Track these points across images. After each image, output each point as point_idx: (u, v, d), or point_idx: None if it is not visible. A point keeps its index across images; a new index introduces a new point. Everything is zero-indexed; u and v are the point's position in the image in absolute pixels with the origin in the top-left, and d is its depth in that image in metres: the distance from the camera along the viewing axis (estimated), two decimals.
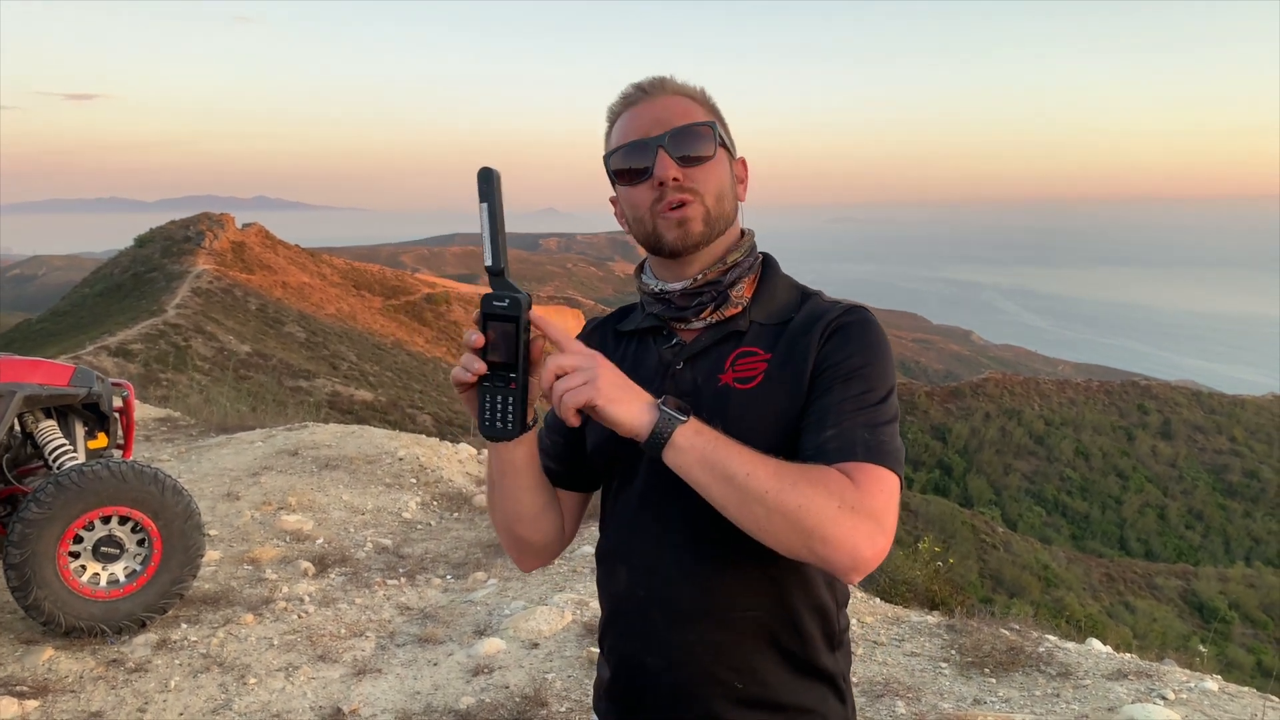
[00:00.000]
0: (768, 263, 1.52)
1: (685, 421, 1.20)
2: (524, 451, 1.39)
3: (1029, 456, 59.70)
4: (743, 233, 1.50)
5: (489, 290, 1.25)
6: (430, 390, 45.22)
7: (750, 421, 1.32)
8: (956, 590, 6.17)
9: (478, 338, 1.24)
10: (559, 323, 1.26)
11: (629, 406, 1.20)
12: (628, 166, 1.41)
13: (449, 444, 8.65)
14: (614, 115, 1.45)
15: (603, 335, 1.59)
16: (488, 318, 1.23)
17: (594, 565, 1.58)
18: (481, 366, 1.24)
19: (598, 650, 1.58)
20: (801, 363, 1.36)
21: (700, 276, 1.42)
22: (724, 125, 1.46)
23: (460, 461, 8.16)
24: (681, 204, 1.37)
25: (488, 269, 1.23)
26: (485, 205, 1.21)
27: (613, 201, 1.52)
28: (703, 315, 1.43)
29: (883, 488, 1.23)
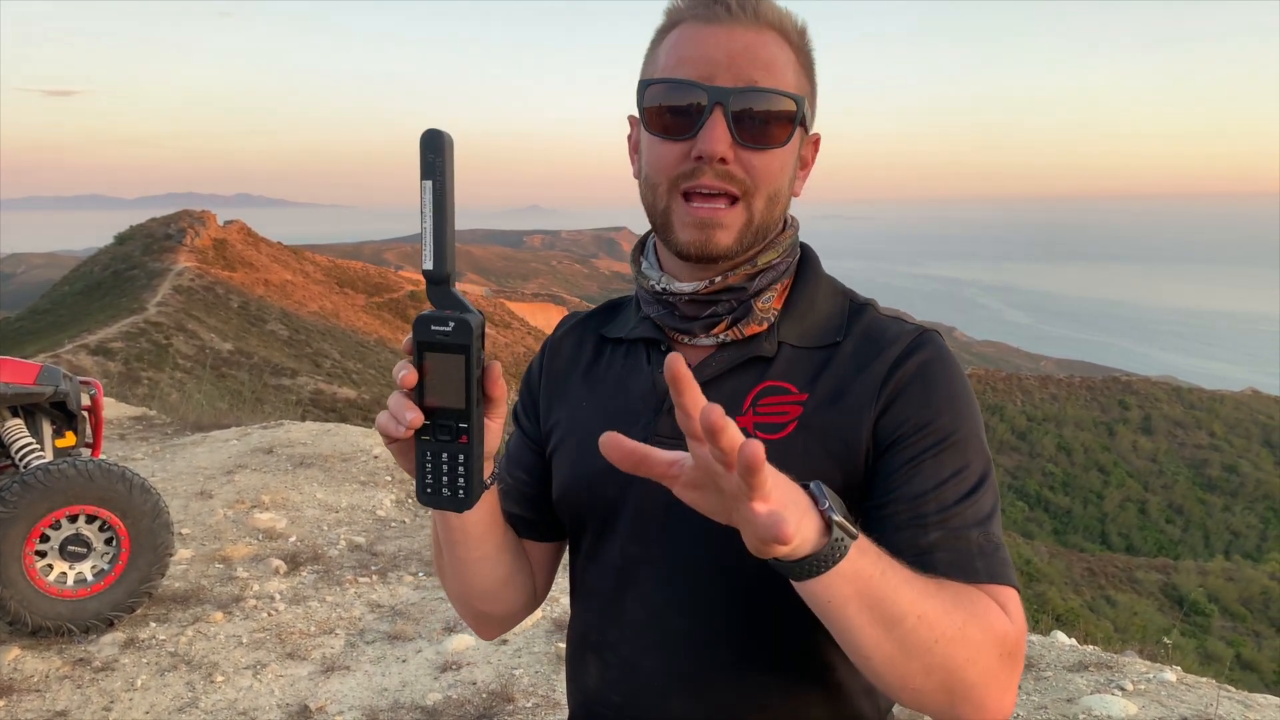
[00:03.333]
0: (805, 259, 1.16)
1: (855, 539, 0.82)
2: (480, 513, 1.06)
3: (1011, 452, 60.07)
4: (785, 225, 1.13)
5: (426, 308, 0.92)
6: None
7: None
8: None
9: (408, 374, 0.90)
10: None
11: (798, 522, 0.78)
12: (668, 107, 1.02)
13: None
14: (674, 22, 1.05)
15: (580, 339, 1.23)
16: (424, 347, 0.90)
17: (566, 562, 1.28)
18: (417, 417, 0.90)
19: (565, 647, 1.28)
20: (855, 413, 1.02)
21: (720, 279, 1.07)
22: (813, 89, 1.09)
23: None
24: (721, 197, 1.02)
25: (426, 274, 0.90)
26: (429, 184, 0.87)
27: (631, 122, 1.13)
28: (715, 330, 1.08)
29: (1021, 615, 0.94)
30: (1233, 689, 3.94)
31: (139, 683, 4.08)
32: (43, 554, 4.31)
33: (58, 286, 61.20)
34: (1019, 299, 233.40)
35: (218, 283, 53.69)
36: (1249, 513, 54.10)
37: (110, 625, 4.51)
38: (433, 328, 0.89)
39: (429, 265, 0.89)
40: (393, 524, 6.57)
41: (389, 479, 7.41)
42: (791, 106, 1.01)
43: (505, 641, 4.50)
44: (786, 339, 1.08)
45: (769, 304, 1.09)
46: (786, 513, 0.74)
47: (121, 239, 61.43)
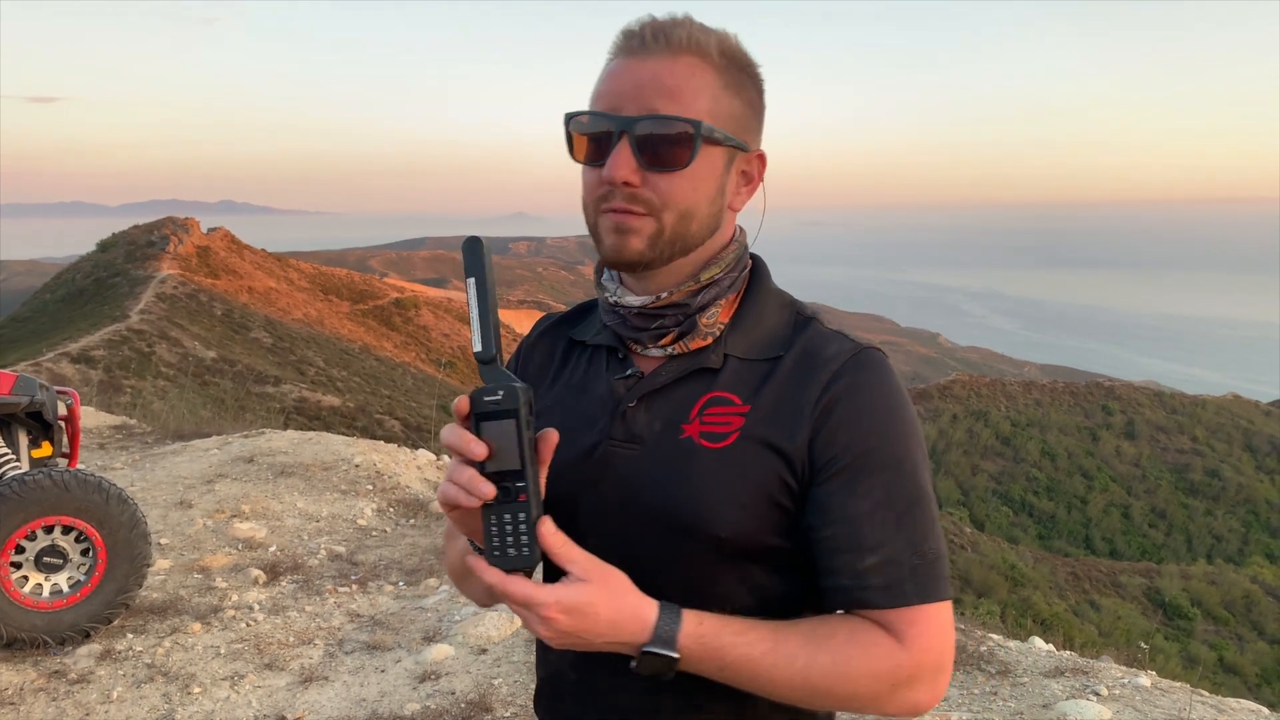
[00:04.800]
0: (756, 273, 1.20)
1: (676, 658, 1.01)
2: None
3: (996, 457, 60.31)
4: (731, 242, 1.18)
5: (479, 384, 1.03)
6: (399, 395, 44.97)
7: (719, 491, 1.07)
8: None
9: (480, 448, 0.98)
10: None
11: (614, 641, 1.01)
12: (585, 136, 1.10)
13: (407, 450, 8.64)
14: (609, 57, 1.12)
15: (552, 342, 1.31)
16: (480, 417, 1.00)
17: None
18: (491, 489, 0.98)
19: None
20: (790, 425, 1.08)
21: (665, 295, 1.13)
22: (747, 102, 1.12)
23: (419, 468, 8.15)
24: (627, 212, 1.08)
25: (477, 355, 1.02)
26: (473, 280, 1.02)
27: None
28: (662, 342, 1.15)
29: (936, 631, 1.04)
30: (1206, 693, 3.98)
31: (115, 695, 4.06)
32: (18, 565, 4.28)
33: (39, 294, 60.74)
34: (1003, 305, 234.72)
35: (201, 290, 53.37)
36: (1231, 517, 54.49)
37: (86, 637, 4.48)
38: (485, 399, 1.00)
39: (478, 348, 1.02)
40: (373, 533, 6.56)
41: (370, 488, 7.40)
42: (690, 130, 1.05)
43: (484, 651, 4.50)
44: (733, 351, 1.13)
45: (714, 319, 1.14)
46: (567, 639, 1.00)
47: (104, 246, 60.97)
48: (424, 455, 8.52)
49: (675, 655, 1.00)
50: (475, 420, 1.00)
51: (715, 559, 1.09)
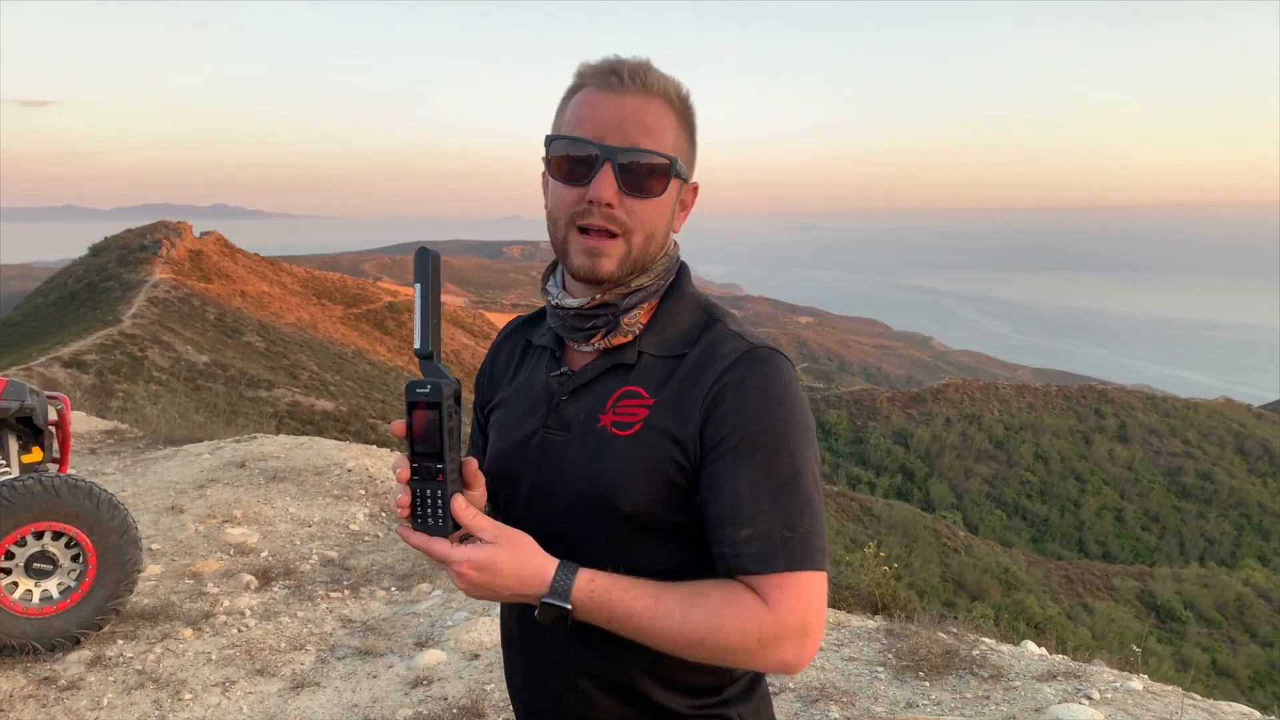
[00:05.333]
0: (677, 277, 1.37)
1: (569, 610, 1.17)
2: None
3: (989, 461, 60.40)
4: (664, 251, 1.35)
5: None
6: (392, 399, 44.87)
7: (627, 474, 1.23)
8: (897, 595, 6.24)
9: (396, 424, 1.18)
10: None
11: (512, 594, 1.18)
12: (567, 158, 1.25)
13: (401, 454, 8.62)
14: (579, 85, 1.26)
15: (515, 343, 1.48)
16: (412, 406, 1.17)
17: None
18: (405, 470, 1.17)
19: None
20: (683, 415, 1.23)
21: (599, 296, 1.29)
22: (693, 143, 1.32)
23: None
24: (605, 234, 1.24)
25: (416, 352, 1.20)
26: (419, 286, 1.18)
27: (544, 176, 1.34)
28: (593, 340, 1.31)
29: (802, 596, 1.18)
30: (1198, 697, 3.98)
31: (105, 701, 4.03)
32: (8, 571, 4.25)
33: (31, 298, 60.48)
34: (996, 308, 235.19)
35: (194, 294, 53.21)
36: (1223, 520, 54.65)
37: (77, 643, 4.46)
38: (416, 390, 1.16)
39: (417, 345, 1.19)
40: (366, 538, 6.54)
41: (362, 493, 7.38)
42: (667, 164, 1.24)
43: (477, 656, 4.49)
44: (646, 349, 1.30)
45: (635, 319, 1.31)
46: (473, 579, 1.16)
47: (96, 250, 60.74)
48: None
49: (568, 606, 1.16)
50: (408, 407, 1.17)
51: (625, 532, 1.25)
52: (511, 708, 1.48)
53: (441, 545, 1.16)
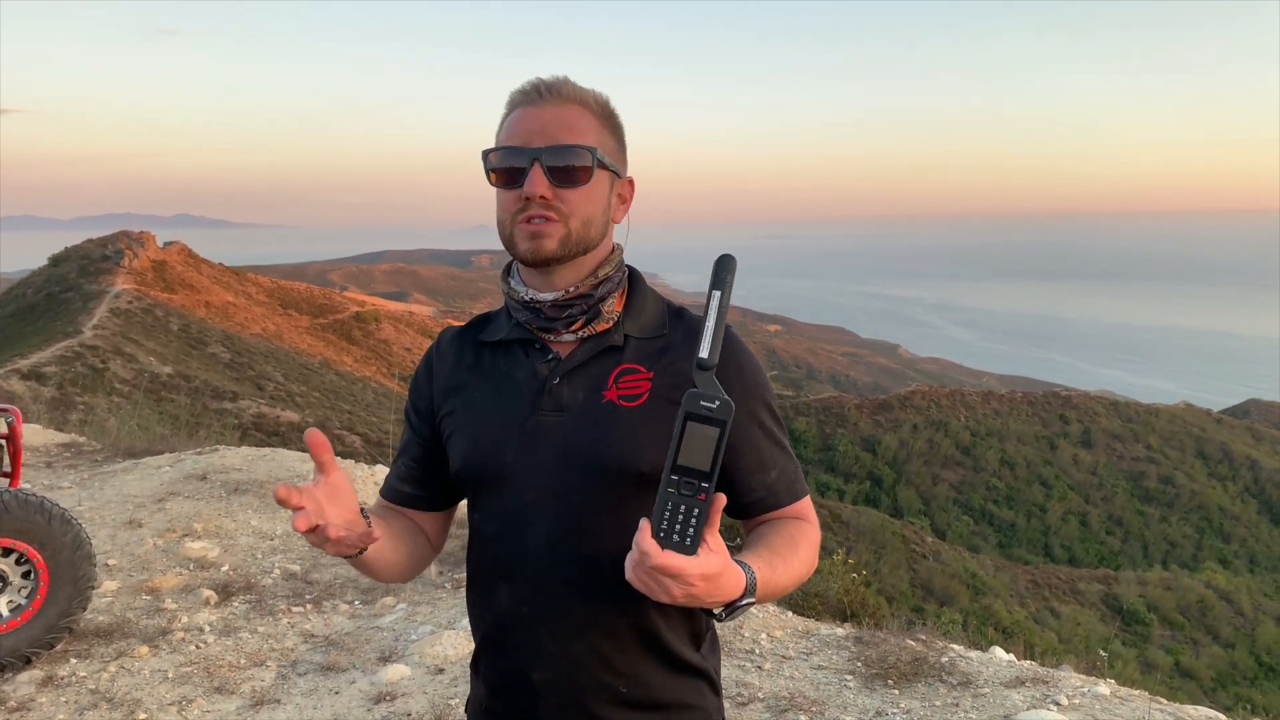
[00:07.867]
0: (634, 276, 1.54)
1: (754, 596, 1.27)
2: (378, 547, 1.40)
3: (956, 467, 60.88)
4: (614, 248, 1.51)
5: (693, 387, 1.16)
6: (359, 410, 44.48)
7: (641, 438, 1.37)
8: (866, 602, 6.22)
9: (298, 516, 1.17)
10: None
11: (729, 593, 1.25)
12: (504, 168, 1.40)
13: (365, 466, 8.50)
14: (510, 107, 1.43)
15: (460, 347, 1.56)
16: (690, 417, 1.14)
17: None
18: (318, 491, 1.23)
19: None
20: (685, 384, 1.35)
21: (573, 289, 1.42)
22: (619, 141, 1.47)
23: (377, 483, 8.01)
24: (544, 219, 1.37)
25: (700, 362, 1.16)
26: (717, 294, 1.17)
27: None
28: (573, 328, 1.44)
29: (813, 510, 1.50)
30: (1165, 701, 4.00)
31: None
32: None
33: None
34: (961, 316, 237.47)
35: (157, 305, 52.45)
36: (1184, 523, 55.44)
37: (28, 663, 4.33)
38: (702, 403, 1.14)
39: (704, 354, 1.17)
40: None
41: None
42: (588, 155, 1.38)
43: (441, 671, 4.41)
44: (629, 332, 1.46)
45: (611, 307, 1.46)
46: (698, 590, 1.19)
47: (56, 260, 59.68)
48: (383, 471, 8.39)
49: (755, 599, 1.27)
50: (684, 417, 1.14)
51: (637, 491, 1.36)
52: (487, 711, 1.52)
53: (676, 559, 1.16)
